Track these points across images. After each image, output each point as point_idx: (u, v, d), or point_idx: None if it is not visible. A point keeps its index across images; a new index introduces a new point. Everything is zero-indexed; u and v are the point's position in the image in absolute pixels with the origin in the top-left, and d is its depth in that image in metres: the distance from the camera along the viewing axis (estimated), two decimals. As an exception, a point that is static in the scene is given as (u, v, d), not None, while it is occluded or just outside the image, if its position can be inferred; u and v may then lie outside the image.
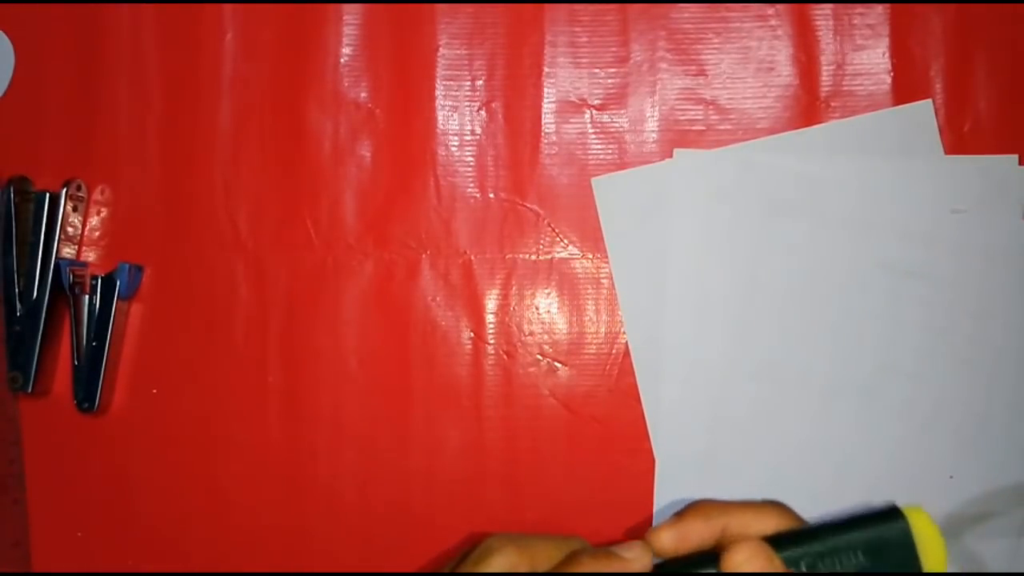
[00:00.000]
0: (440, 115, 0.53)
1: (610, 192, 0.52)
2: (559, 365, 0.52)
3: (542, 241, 0.53)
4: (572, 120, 0.53)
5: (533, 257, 0.53)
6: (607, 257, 0.52)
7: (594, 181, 0.52)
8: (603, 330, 0.52)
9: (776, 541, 0.35)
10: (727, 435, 0.51)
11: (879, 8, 0.52)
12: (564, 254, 0.53)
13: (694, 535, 0.36)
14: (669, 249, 0.52)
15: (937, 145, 0.51)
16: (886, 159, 0.51)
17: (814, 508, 0.50)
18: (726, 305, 0.51)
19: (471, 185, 0.53)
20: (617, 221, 0.52)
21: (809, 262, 0.51)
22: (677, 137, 0.52)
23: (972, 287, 0.50)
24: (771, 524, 0.36)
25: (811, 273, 0.51)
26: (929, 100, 0.51)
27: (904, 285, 0.51)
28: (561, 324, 0.53)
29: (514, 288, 0.53)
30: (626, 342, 0.52)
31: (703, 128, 0.52)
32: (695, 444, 0.51)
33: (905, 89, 0.52)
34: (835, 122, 0.52)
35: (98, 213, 0.54)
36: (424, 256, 0.53)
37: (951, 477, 0.50)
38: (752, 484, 0.51)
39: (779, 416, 0.51)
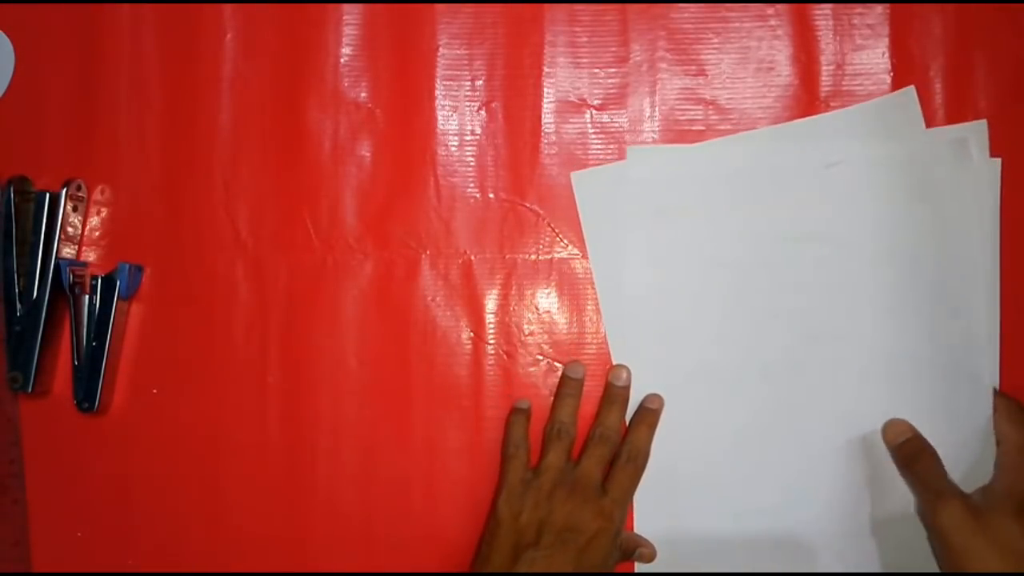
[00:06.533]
0: (440, 115, 0.53)
1: (588, 187, 0.52)
2: (559, 365, 0.52)
3: (542, 241, 0.53)
4: (572, 120, 0.53)
5: (533, 257, 0.53)
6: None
7: (573, 175, 0.52)
8: (603, 330, 0.52)
9: None
10: (684, 430, 0.51)
11: (879, 8, 0.52)
12: (564, 254, 0.53)
13: None
14: (632, 245, 0.52)
15: (920, 125, 0.51)
16: (871, 148, 0.51)
17: (776, 475, 0.51)
18: (676, 300, 0.52)
19: (471, 185, 0.53)
20: (594, 215, 0.52)
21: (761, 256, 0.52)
22: (677, 137, 0.52)
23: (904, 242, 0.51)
24: None
25: (759, 273, 0.52)
26: (910, 87, 0.52)
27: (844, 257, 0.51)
28: (561, 324, 0.53)
29: (514, 288, 0.53)
30: (626, 342, 0.52)
31: (703, 128, 0.52)
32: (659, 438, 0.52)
33: (905, 89, 0.52)
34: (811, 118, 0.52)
35: (98, 213, 0.54)
36: (424, 256, 0.53)
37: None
38: (706, 465, 0.51)
39: (722, 410, 0.51)
